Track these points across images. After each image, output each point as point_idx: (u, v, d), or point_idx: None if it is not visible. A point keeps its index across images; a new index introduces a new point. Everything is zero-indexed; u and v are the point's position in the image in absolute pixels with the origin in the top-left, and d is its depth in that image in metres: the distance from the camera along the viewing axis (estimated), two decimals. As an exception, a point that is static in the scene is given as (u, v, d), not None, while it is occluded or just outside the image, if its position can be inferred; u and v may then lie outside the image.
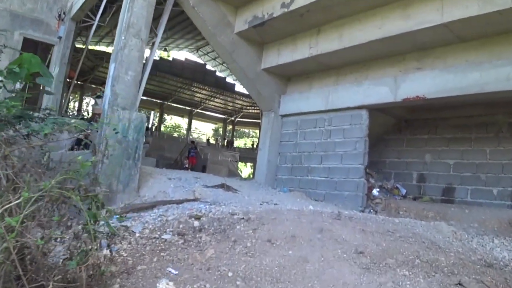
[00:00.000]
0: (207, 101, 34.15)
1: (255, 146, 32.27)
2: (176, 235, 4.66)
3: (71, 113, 21.21)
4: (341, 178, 9.25)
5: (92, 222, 2.95)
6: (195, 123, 39.83)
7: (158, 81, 28.52)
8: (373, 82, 9.07)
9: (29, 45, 11.72)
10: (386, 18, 8.01)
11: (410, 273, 3.27)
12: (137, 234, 4.87)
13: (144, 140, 14.75)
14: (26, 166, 2.74)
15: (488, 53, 7.46)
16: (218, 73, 30.92)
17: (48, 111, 3.50)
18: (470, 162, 9.49)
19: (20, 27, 11.52)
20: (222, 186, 8.55)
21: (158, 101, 32.86)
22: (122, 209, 6.75)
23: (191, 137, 34.84)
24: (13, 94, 4.06)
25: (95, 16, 11.58)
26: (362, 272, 3.21)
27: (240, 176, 24.32)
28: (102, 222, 3.21)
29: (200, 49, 29.27)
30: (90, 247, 2.87)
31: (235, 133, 42.32)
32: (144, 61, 8.13)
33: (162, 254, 4.05)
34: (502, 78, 7.02)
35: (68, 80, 13.28)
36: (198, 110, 35.68)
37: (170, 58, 28.76)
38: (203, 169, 20.31)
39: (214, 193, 7.80)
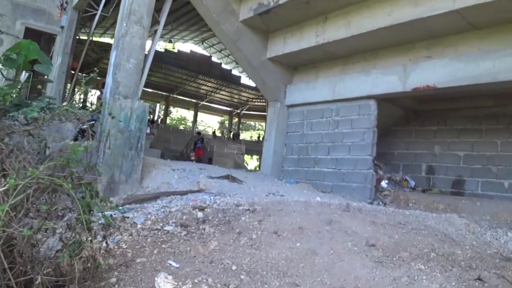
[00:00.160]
0: (212, 93, 33.98)
1: (261, 139, 32.08)
2: (179, 227, 4.51)
3: (76, 105, 21.04)
4: (349, 170, 9.05)
5: (86, 211, 2.78)
6: (201, 115, 39.72)
7: (163, 73, 28.43)
8: (381, 71, 8.81)
9: (31, 35, 11.57)
10: (396, 5, 7.72)
11: (426, 267, 3.06)
12: (139, 226, 4.74)
13: (149, 132, 14.71)
14: (14, 151, 2.56)
15: (502, 41, 7.19)
16: (223, 66, 30.69)
17: (48, 100, 3.30)
18: (480, 154, 9.27)
19: (22, 16, 11.36)
20: (227, 177, 8.41)
21: (164, 93, 32.74)
22: (125, 200, 6.65)
23: (196, 129, 34.73)
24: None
25: (98, 6, 11.38)
26: (374, 265, 3.00)
27: (246, 168, 24.19)
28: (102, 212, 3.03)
29: (206, 41, 29.05)
30: (84, 238, 2.69)
31: (241, 126, 42.17)
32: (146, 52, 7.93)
33: (163, 246, 3.89)
34: (516, 67, 6.77)
35: (72, 72, 13.14)
36: (203, 103, 35.53)
37: (176, 50, 28.55)
38: (209, 162, 20.25)
39: (219, 184, 7.66)
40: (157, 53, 26.09)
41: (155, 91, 32.02)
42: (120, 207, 6.10)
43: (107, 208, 3.13)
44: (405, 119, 10.83)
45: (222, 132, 38.69)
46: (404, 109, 10.59)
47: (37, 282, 2.21)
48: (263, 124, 34.72)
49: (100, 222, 3.11)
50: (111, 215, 5.63)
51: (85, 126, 9.27)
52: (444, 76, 7.73)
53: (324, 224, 4.07)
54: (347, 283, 2.72)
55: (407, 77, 8.26)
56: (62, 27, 11.67)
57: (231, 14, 9.67)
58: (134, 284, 2.93)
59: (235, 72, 30.91)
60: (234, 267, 3.10)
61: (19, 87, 3.85)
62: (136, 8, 7.31)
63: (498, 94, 8.71)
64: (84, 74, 24.41)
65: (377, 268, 2.93)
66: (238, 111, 38.41)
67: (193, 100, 35.00)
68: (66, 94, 12.98)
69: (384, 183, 9.20)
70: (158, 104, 37.21)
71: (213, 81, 30.39)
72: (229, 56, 27.91)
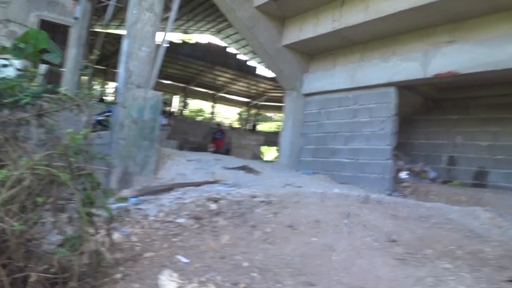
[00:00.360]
0: (230, 84, 33.75)
1: (279, 129, 31.72)
2: (191, 219, 4.35)
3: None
4: (367, 160, 8.77)
5: (87, 204, 2.64)
6: (219, 107, 39.63)
7: (180, 65, 28.34)
8: (401, 58, 8.43)
9: (47, 27, 11.55)
10: (416, -14, 7.34)
11: (452, 266, 2.80)
12: (151, 218, 4.60)
13: (166, 123, 14.66)
14: (10, 141, 2.42)
15: (530, 24, 6.76)
16: (240, 56, 30.43)
17: (44, 87, 3.15)
18: (504, 144, 8.91)
19: (36, 8, 11.34)
20: (243, 168, 8.27)
21: (181, 85, 32.72)
22: (139, 191, 6.57)
23: (213, 121, 34.66)
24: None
25: (112, -4, 11.31)
26: (396, 264, 2.77)
27: (263, 159, 24.03)
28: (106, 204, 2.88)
29: (222, 32, 28.81)
30: (85, 231, 2.54)
31: (259, 117, 41.91)
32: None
33: (174, 239, 3.74)
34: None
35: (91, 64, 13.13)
36: (221, 94, 35.38)
37: (192, 42, 28.43)
38: (227, 153, 20.19)
39: (234, 175, 7.52)
40: (173, 44, 26.15)
41: (172, 82, 32.02)
42: (134, 199, 6.08)
43: (113, 199, 2.99)
44: (425, 108, 10.50)
45: (240, 124, 38.53)
46: (424, 98, 10.24)
47: (31, 280, 2.08)
48: (281, 115, 34.40)
49: (106, 214, 2.96)
50: (124, 207, 5.59)
51: (100, 118, 9.24)
52: (467, 62, 7.34)
53: (342, 217, 3.85)
54: (367, 284, 2.50)
55: (428, 63, 7.88)
56: (76, 18, 11.62)
57: (245, 0, 9.41)
58: (140, 281, 2.78)
59: (251, 63, 30.60)
60: (245, 264, 2.92)
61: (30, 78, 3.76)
62: (146, -6, 7.13)
63: (523, 81, 8.26)
64: (102, 67, 24.65)
65: (399, 267, 2.70)
66: (256, 102, 38.14)
67: (210, 92, 34.88)
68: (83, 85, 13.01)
69: (403, 174, 8.90)
70: (176, 96, 37.28)
71: (230, 72, 30.16)
72: (245, 47, 27.62)
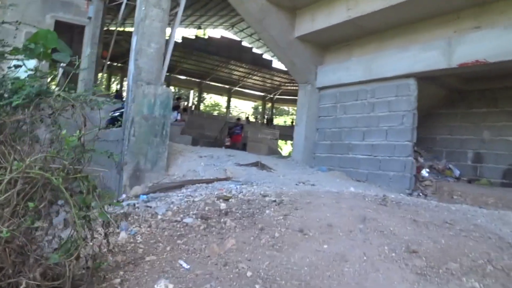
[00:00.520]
0: (245, 78, 33.61)
1: (294, 123, 31.40)
2: (199, 219, 4.20)
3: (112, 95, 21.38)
4: (385, 157, 8.39)
5: (83, 207, 2.47)
6: (235, 101, 39.51)
7: (195, 60, 28.33)
8: (422, 46, 7.97)
9: (63, 28, 11.61)
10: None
11: (481, 285, 2.47)
12: (159, 217, 4.51)
13: (180, 118, 14.58)
14: (5, 143, 2.27)
15: None
16: (254, 50, 30.16)
17: (38, 86, 3.01)
18: (537, 140, 8.33)
19: (51, 9, 11.43)
20: (256, 164, 8.10)
21: (197, 80, 32.72)
22: (150, 189, 6.56)
23: (230, 115, 34.57)
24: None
25: (124, -6, 11.26)
26: (416, 279, 2.47)
27: (280, 154, 23.82)
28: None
29: (235, 26, 28.59)
30: (80, 236, 2.38)
31: (274, 111, 41.64)
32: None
33: (178, 241, 3.59)
34: None
35: (103, 60, 13.15)
36: (236, 88, 35.26)
37: (206, 37, 28.32)
38: (244, 147, 20.08)
39: (247, 172, 7.35)
40: (187, 40, 26.07)
41: (188, 78, 32.06)
42: (145, 196, 5.98)
43: (111, 203, 2.83)
44: (449, 100, 9.94)
45: (256, 118, 38.35)
46: (447, 90, 9.70)
47: (21, 287, 1.93)
48: (296, 108, 34.02)
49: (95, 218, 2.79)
50: (134, 204, 5.49)
51: (116, 114, 9.16)
52: (496, 49, 6.82)
53: (357, 222, 3.58)
54: (381, 303, 2.24)
55: (452, 51, 7.41)
56: (89, 18, 11.65)
57: (254, -9, 9.12)
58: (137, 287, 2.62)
59: (266, 56, 30.30)
60: (249, 273, 2.71)
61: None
62: (154, -10, 6.98)
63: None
64: (119, 64, 24.74)
65: (419, 283, 2.40)
66: (271, 96, 37.88)
67: (225, 86, 34.81)
68: (97, 82, 13.01)
69: (425, 172, 8.47)
70: (191, 91, 37.32)
71: (244, 66, 29.99)
72: (260, 40, 27.33)
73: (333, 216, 3.83)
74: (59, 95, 2.57)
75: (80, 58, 11.63)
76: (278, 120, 41.94)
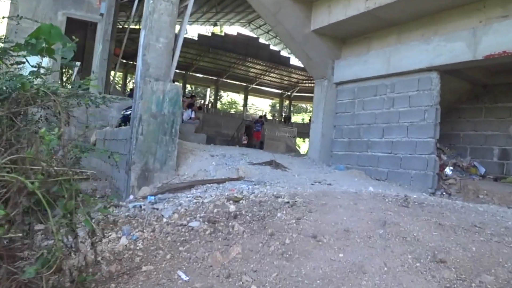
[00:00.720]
0: (262, 76, 33.36)
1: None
2: (205, 223, 3.91)
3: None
4: (406, 154, 7.97)
5: (66, 215, 2.21)
6: (252, 99, 39.30)
7: (211, 58, 28.24)
8: (444, 38, 7.52)
9: (77, 25, 11.56)
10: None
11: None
12: (165, 220, 4.25)
13: (194, 117, 14.40)
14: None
15: None
16: (272, 47, 29.84)
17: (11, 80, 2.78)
18: None
19: (63, 7, 11.42)
20: (270, 163, 7.78)
21: (213, 78, 32.63)
22: (159, 189, 6.32)
23: (247, 113, 34.35)
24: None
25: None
26: (445, 294, 2.14)
27: (298, 152, 23.52)
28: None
29: (252, 22, 28.33)
30: (59, 246, 2.11)
31: (292, 109, 41.24)
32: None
33: (180, 248, 3.32)
34: None
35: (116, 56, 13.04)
36: (253, 86, 35.04)
37: (222, 34, 28.16)
38: (261, 145, 19.90)
39: (260, 171, 7.03)
40: (204, 37, 25.95)
41: (204, 76, 31.99)
42: (152, 197, 5.75)
43: (100, 209, 2.57)
44: (473, 95, 9.44)
45: (273, 115, 38.04)
46: (471, 83, 9.22)
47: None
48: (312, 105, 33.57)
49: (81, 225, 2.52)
50: (140, 206, 5.26)
51: (128, 112, 8.98)
52: (525, 39, 6.37)
53: (377, 226, 3.23)
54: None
55: (477, 42, 6.95)
56: (101, 15, 11.54)
57: (268, -17, 8.78)
58: (127, 305, 2.35)
59: (284, 53, 29.93)
60: (253, 287, 2.40)
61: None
62: (162, -18, 6.73)
63: None
64: (135, 62, 24.77)
65: (449, 301, 2.07)
66: (289, 93, 37.51)
67: (242, 84, 34.66)
68: (111, 81, 12.92)
69: (448, 170, 8.03)
70: (208, 89, 37.27)
71: (261, 63, 29.74)
72: (277, 37, 26.96)
73: (350, 219, 3.50)
74: (38, 90, 2.29)
75: (93, 55, 11.58)
76: (296, 118, 41.53)
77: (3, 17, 4.65)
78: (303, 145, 37.68)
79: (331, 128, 9.94)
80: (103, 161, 8.66)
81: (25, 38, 3.22)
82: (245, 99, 36.69)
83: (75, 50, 3.97)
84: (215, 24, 26.78)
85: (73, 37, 3.17)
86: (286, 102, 39.69)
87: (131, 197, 6.21)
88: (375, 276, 2.37)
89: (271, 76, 33.55)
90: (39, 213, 2.18)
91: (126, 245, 3.53)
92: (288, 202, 4.33)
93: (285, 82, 35.46)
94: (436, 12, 7.80)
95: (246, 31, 30.00)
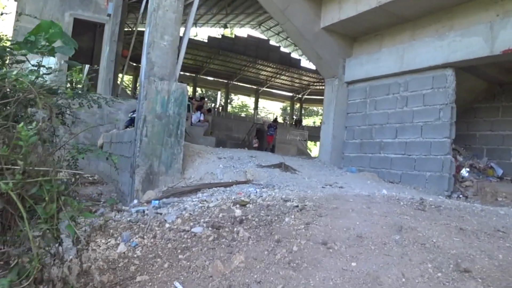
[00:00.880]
0: (272, 78, 33.14)
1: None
2: (209, 228, 3.70)
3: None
4: (421, 155, 7.67)
5: (48, 219, 2.01)
6: (263, 102, 39.09)
7: (221, 60, 28.12)
8: (460, 33, 7.23)
9: (84, 26, 11.49)
10: None
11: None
12: (167, 225, 4.05)
13: (203, 119, 14.24)
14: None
15: None
16: (282, 49, 29.60)
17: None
18: None
19: (70, 7, 11.35)
20: (279, 165, 7.54)
21: (224, 80, 32.49)
22: (164, 193, 6.10)
23: (258, 116, 34.16)
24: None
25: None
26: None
27: (309, 155, 23.24)
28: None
29: (263, 24, 28.15)
30: (37, 255, 1.90)
31: (303, 112, 40.94)
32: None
33: (180, 256, 3.11)
34: None
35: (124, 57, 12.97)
36: (264, 89, 34.83)
37: (232, 36, 28.04)
38: (272, 149, 19.74)
39: (269, 174, 6.79)
40: (214, 39, 25.84)
41: (214, 79, 31.88)
42: (156, 201, 5.55)
43: (85, 214, 2.35)
44: (490, 93, 9.10)
45: (284, 119, 37.78)
46: (488, 81, 8.86)
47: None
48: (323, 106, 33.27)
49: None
50: (143, 211, 5.07)
51: (135, 115, 8.80)
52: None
53: (392, 232, 2.96)
54: None
55: (494, 37, 6.65)
56: (109, 15, 11.44)
57: (276, -21, 8.58)
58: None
59: (294, 55, 29.68)
60: (256, 302, 2.16)
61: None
62: (166, -23, 6.54)
63: None
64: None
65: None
66: (300, 96, 37.21)
67: (253, 87, 34.45)
68: (118, 82, 12.83)
69: (465, 172, 7.72)
70: (219, 92, 37.18)
71: (272, 65, 29.51)
72: (288, 39, 26.73)
73: (363, 224, 3.24)
74: (16, 80, 2.09)
75: (101, 56, 11.48)
76: (307, 121, 41.22)
77: (2, 14, 4.54)
78: (314, 149, 37.35)
79: (342, 129, 9.67)
80: (109, 164, 8.53)
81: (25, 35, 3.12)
82: (256, 102, 36.48)
83: (76, 47, 3.82)
84: (225, 26, 26.66)
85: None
86: (297, 105, 39.39)
87: (135, 201, 6.02)
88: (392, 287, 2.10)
89: (281, 79, 33.32)
90: (18, 217, 1.98)
91: (124, 253, 3.34)
92: (297, 206, 4.12)
93: (296, 84, 35.18)
94: (451, 6, 7.53)
95: (256, 33, 29.84)
